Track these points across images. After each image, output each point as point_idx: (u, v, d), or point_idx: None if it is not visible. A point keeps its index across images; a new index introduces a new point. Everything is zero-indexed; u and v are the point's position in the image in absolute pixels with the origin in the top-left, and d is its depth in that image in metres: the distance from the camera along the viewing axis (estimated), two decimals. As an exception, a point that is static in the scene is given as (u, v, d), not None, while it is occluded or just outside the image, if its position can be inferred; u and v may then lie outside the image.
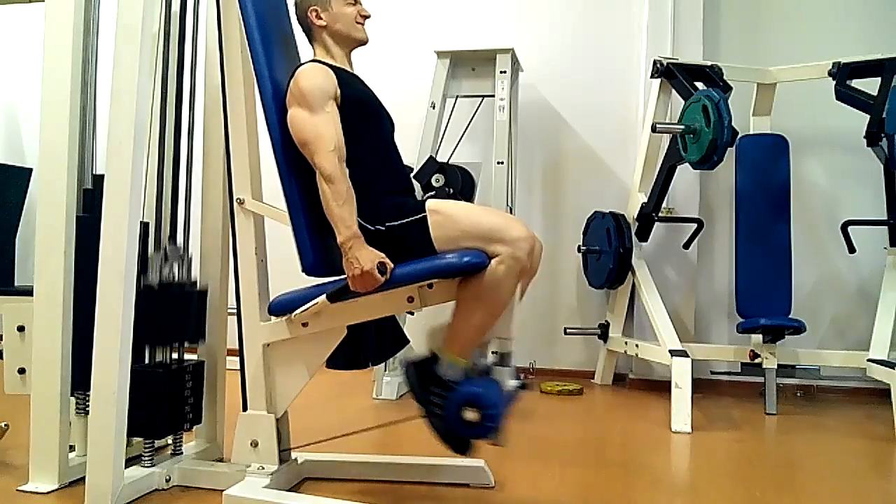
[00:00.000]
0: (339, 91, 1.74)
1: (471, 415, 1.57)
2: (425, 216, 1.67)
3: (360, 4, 1.90)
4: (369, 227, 1.70)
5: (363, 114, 1.81)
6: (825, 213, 3.77)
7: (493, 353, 1.75)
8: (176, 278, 2.00)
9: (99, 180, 1.81)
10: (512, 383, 1.69)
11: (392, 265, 1.62)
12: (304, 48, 1.98)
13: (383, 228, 1.70)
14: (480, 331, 1.65)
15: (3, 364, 1.92)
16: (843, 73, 3.22)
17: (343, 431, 2.46)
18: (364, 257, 1.60)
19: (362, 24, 1.89)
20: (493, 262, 1.59)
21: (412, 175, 3.04)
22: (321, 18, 1.85)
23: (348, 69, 1.88)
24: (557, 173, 3.97)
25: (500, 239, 1.59)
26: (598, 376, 3.75)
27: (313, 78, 1.72)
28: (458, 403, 1.58)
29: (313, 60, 1.83)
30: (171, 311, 1.95)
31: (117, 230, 1.72)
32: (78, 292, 1.84)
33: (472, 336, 1.64)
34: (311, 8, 1.85)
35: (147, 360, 1.93)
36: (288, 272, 1.94)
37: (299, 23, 1.90)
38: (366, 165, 1.76)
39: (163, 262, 1.96)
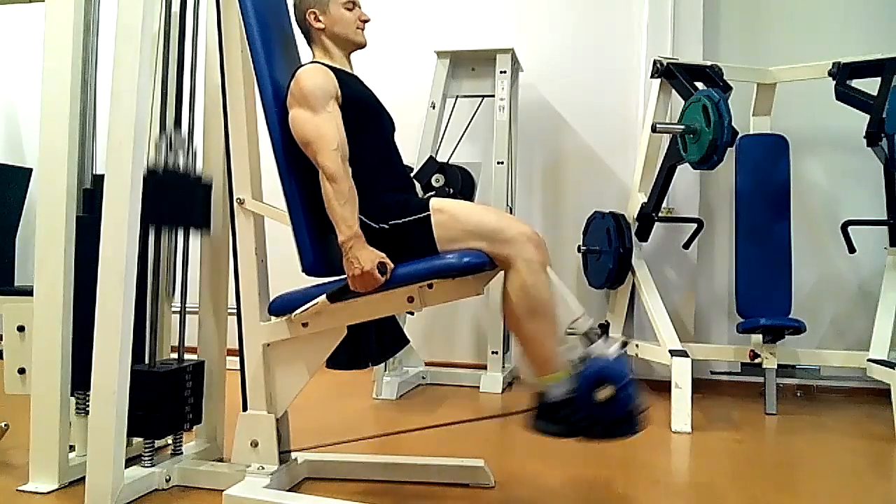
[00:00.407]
0: (339, 91, 1.75)
1: (603, 393, 1.52)
2: (429, 215, 1.66)
3: (360, 8, 1.90)
4: (373, 224, 1.70)
5: (364, 114, 1.81)
6: (825, 213, 3.76)
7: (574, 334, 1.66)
8: (181, 167, 1.99)
9: (99, 180, 1.81)
10: (612, 350, 1.61)
11: (392, 265, 1.62)
12: (305, 48, 1.98)
13: (387, 227, 1.70)
14: (550, 339, 1.60)
15: (3, 364, 1.93)
16: (843, 73, 3.22)
17: (343, 431, 2.46)
18: (364, 257, 1.60)
19: (362, 29, 1.89)
20: (510, 274, 1.58)
21: (412, 175, 3.04)
22: (320, 21, 1.85)
23: (348, 70, 1.88)
24: (557, 173, 3.97)
25: (504, 240, 1.59)
26: (598, 376, 3.74)
27: (313, 78, 1.72)
28: (584, 397, 1.53)
29: (313, 62, 1.83)
30: (176, 194, 1.93)
31: (117, 230, 1.72)
32: (78, 292, 1.84)
33: (549, 348, 1.60)
34: (310, 10, 1.85)
35: (147, 361, 1.94)
36: (288, 272, 1.94)
37: (298, 25, 1.91)
38: (367, 164, 1.76)
39: (168, 147, 1.94)
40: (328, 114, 1.70)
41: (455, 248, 1.63)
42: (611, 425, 1.56)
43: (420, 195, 1.95)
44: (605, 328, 1.66)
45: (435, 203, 1.69)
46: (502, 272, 1.63)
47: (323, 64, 1.81)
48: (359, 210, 1.67)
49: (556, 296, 1.61)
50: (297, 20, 1.90)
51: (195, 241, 2.10)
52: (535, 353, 1.61)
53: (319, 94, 1.70)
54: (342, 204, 1.63)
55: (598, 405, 1.53)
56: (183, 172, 2.00)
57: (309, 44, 1.91)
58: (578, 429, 1.57)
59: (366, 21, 1.90)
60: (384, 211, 1.71)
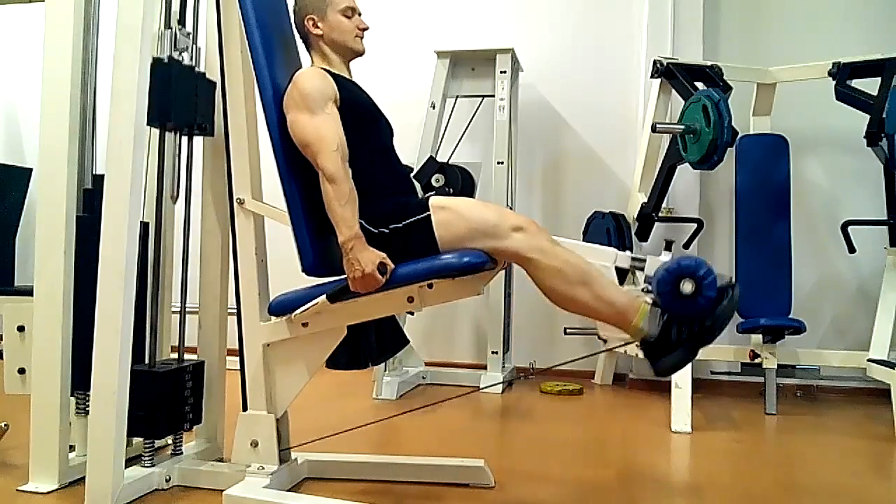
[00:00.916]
0: (338, 94, 1.75)
1: (687, 286, 1.51)
2: (429, 215, 1.66)
3: (359, 16, 1.90)
4: (372, 229, 1.70)
5: (362, 118, 1.81)
6: (825, 213, 3.76)
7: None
8: (184, 60, 1.97)
9: (99, 180, 1.81)
10: (662, 258, 1.63)
11: (392, 266, 1.62)
12: (305, 50, 1.98)
13: (387, 231, 1.69)
14: (607, 290, 1.58)
15: (3, 364, 1.93)
16: (843, 73, 3.22)
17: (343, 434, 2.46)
18: (365, 258, 1.60)
19: (360, 37, 1.89)
20: (530, 267, 1.58)
21: (412, 175, 3.03)
22: (318, 28, 1.85)
23: (346, 76, 1.88)
24: (557, 173, 3.97)
25: (506, 233, 1.59)
26: (598, 376, 3.74)
27: (311, 80, 1.72)
28: (676, 306, 1.52)
29: (310, 67, 1.83)
30: (180, 91, 1.91)
31: (117, 230, 1.72)
32: (78, 292, 1.84)
33: (614, 298, 1.58)
34: (309, 17, 1.85)
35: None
36: (288, 272, 1.94)
37: (297, 30, 1.90)
38: (366, 168, 1.76)
39: (172, 44, 1.92)
40: (327, 115, 1.70)
41: (457, 247, 1.63)
42: (717, 311, 1.54)
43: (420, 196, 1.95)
44: (668, 244, 1.64)
45: (435, 201, 1.68)
46: (502, 272, 1.63)
47: (321, 69, 1.81)
48: (359, 214, 1.67)
49: (584, 260, 1.60)
50: (295, 26, 1.90)
51: (195, 241, 2.10)
52: (606, 312, 1.59)
53: (318, 96, 1.70)
54: (343, 205, 1.63)
55: (693, 301, 1.51)
56: (188, 66, 1.96)
57: (308, 50, 1.91)
58: (698, 337, 1.55)
59: (364, 29, 1.89)
60: (384, 215, 1.71)
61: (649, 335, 1.57)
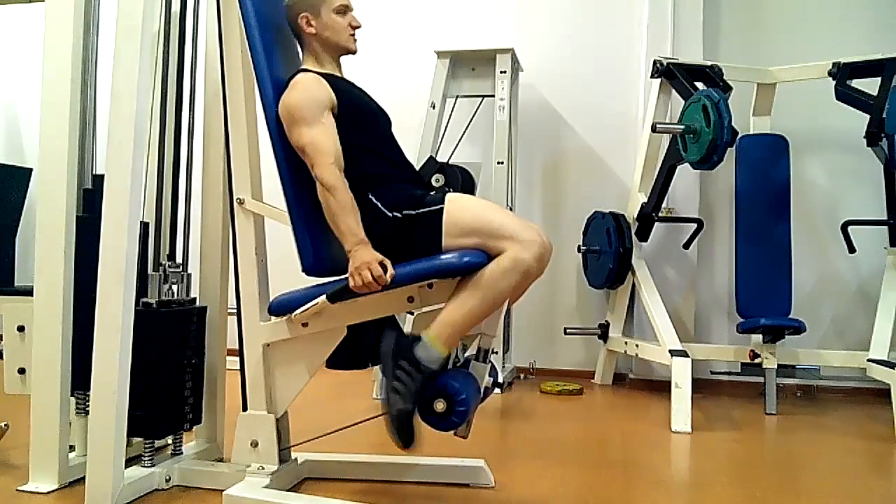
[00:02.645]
0: (334, 99, 1.74)
1: (441, 405, 1.57)
2: (442, 208, 1.67)
3: (352, 12, 1.89)
4: (387, 212, 1.71)
5: (361, 114, 1.81)
6: (825, 213, 3.77)
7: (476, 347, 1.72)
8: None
9: (99, 180, 1.81)
10: (488, 380, 1.69)
11: (392, 271, 1.62)
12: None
13: (400, 216, 1.70)
14: (470, 321, 1.62)
15: (3, 364, 1.93)
16: (843, 73, 3.22)
17: (343, 431, 2.45)
18: (370, 260, 1.61)
19: (353, 36, 1.88)
20: (499, 256, 1.59)
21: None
22: (311, 26, 1.84)
23: (338, 74, 1.87)
24: (557, 173, 3.97)
25: (510, 237, 1.59)
26: (598, 376, 3.75)
27: (306, 90, 1.72)
28: (433, 392, 1.58)
29: (303, 70, 1.81)
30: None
31: (117, 230, 1.72)
32: (78, 292, 1.84)
33: (461, 325, 1.61)
34: (302, 14, 1.83)
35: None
36: (288, 272, 1.94)
37: (290, 27, 1.89)
38: (375, 159, 1.78)
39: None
40: (323, 126, 1.69)
41: (459, 242, 1.63)
42: (401, 418, 1.63)
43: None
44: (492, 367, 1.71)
45: (452, 195, 1.70)
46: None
47: (314, 72, 1.79)
48: (374, 196, 1.71)
49: (502, 305, 1.63)
50: (289, 22, 1.88)
51: (195, 241, 2.10)
52: (449, 317, 1.61)
53: (313, 106, 1.70)
54: (346, 215, 1.64)
55: (429, 402, 1.59)
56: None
57: (301, 47, 1.90)
58: (391, 385, 1.64)
59: (356, 27, 1.88)
60: (399, 200, 1.72)
61: (419, 353, 1.61)
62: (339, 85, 1.79)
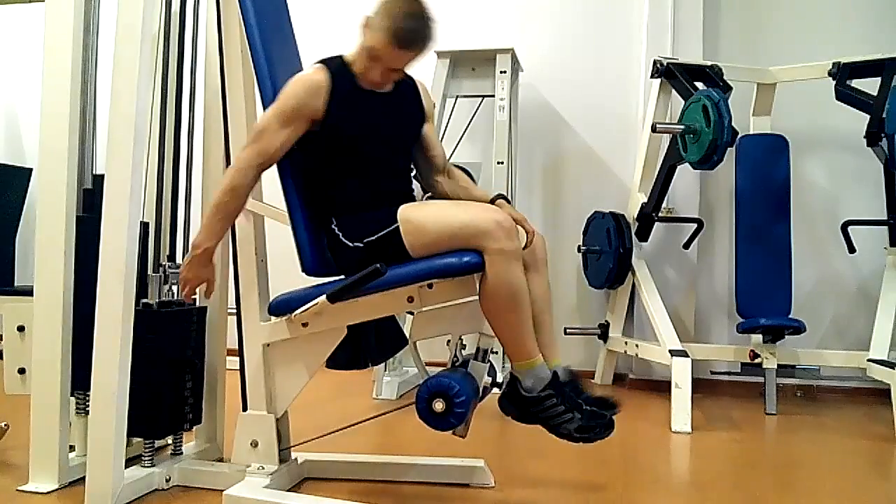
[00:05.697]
0: (320, 111, 1.68)
1: (439, 405, 1.58)
2: (397, 227, 1.65)
3: (400, 72, 1.80)
4: (348, 243, 1.70)
5: (356, 135, 1.74)
6: (825, 213, 3.76)
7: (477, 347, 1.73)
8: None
9: (99, 180, 1.81)
10: (487, 380, 1.71)
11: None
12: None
13: (361, 245, 1.69)
14: (518, 327, 1.60)
15: (3, 364, 1.93)
16: (843, 73, 3.22)
17: (343, 431, 2.46)
18: (195, 272, 1.74)
19: (378, 80, 1.76)
20: (486, 266, 1.57)
21: (412, 175, 3.03)
22: (365, 33, 1.71)
23: (366, 87, 1.76)
24: (557, 173, 3.97)
25: (474, 233, 1.57)
26: (598, 376, 3.74)
27: (294, 93, 1.68)
28: (430, 392, 1.59)
29: (328, 61, 1.74)
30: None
31: (117, 230, 1.72)
32: (78, 292, 1.84)
33: (517, 336, 1.61)
34: (369, 17, 1.70)
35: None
36: (288, 272, 1.94)
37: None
38: (353, 182, 1.75)
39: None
40: (283, 130, 1.67)
41: (432, 252, 1.62)
42: (586, 418, 1.67)
43: (420, 197, 1.94)
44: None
45: (401, 213, 1.66)
46: None
47: (318, 80, 1.70)
48: (336, 226, 1.72)
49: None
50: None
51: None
52: (510, 341, 1.62)
53: (293, 105, 1.67)
54: (220, 218, 1.69)
55: (427, 403, 1.59)
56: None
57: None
58: (553, 423, 1.65)
59: (393, 70, 1.76)
60: (359, 229, 1.70)
61: (524, 386, 1.62)
62: (351, 101, 1.71)
